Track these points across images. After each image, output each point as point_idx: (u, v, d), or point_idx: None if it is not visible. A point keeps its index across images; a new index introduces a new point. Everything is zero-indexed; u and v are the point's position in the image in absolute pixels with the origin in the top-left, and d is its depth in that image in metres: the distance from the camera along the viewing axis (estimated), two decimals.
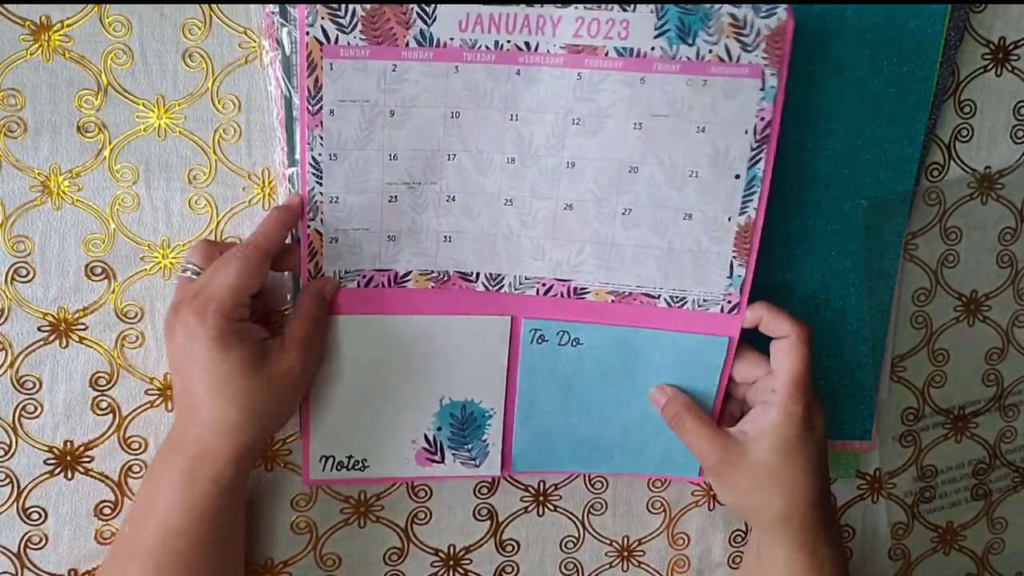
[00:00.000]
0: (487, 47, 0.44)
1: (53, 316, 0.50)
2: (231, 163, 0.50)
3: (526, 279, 0.50)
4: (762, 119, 0.46)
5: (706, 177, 0.47)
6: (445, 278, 0.49)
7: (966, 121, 0.55)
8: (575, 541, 0.57)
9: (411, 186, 0.47)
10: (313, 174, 0.46)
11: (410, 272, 0.49)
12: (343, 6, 0.43)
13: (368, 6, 0.43)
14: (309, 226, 0.47)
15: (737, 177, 0.47)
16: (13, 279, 0.49)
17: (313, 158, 0.46)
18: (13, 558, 0.51)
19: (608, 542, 0.58)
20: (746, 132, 0.46)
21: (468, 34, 0.44)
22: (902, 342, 0.58)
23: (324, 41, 0.44)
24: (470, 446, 0.53)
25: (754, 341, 0.51)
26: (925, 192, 0.56)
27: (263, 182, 0.50)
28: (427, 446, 0.52)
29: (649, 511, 0.57)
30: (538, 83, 0.45)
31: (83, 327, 0.50)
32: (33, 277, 0.49)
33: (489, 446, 0.53)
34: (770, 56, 0.45)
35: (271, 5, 0.47)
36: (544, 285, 0.50)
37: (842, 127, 0.53)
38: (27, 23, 0.47)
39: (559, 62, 0.45)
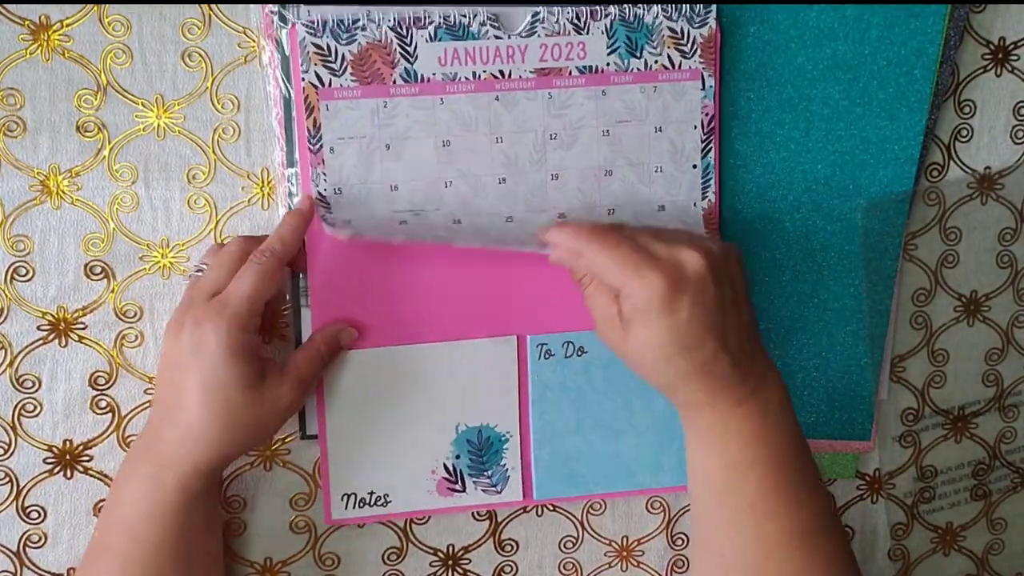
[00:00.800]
0: (466, 78, 0.49)
1: (52, 315, 0.50)
2: (230, 163, 0.50)
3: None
4: (707, 114, 0.51)
5: (669, 171, 0.52)
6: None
7: (966, 121, 0.55)
8: (574, 541, 0.57)
9: (416, 213, 0.49)
10: (322, 206, 0.48)
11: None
12: (333, 52, 0.47)
13: (355, 51, 0.47)
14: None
15: (694, 167, 0.52)
16: (12, 278, 0.49)
17: (319, 193, 0.48)
18: (12, 557, 0.51)
19: (607, 542, 0.58)
20: (695, 127, 0.51)
21: (448, 68, 0.48)
22: (902, 342, 0.58)
23: (319, 85, 0.47)
24: (490, 472, 0.54)
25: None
26: (925, 192, 0.56)
27: (262, 181, 0.50)
28: (447, 475, 0.53)
29: (648, 511, 0.57)
30: (515, 106, 0.49)
31: (82, 326, 0.50)
32: (32, 276, 0.49)
33: (509, 471, 0.54)
34: (706, 60, 0.51)
35: (270, 5, 0.47)
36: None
37: (842, 127, 0.53)
38: (26, 23, 0.47)
39: (531, 85, 0.49)
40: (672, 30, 0.50)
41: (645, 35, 0.50)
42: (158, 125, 0.49)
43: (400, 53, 0.48)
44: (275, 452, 0.53)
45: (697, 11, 0.50)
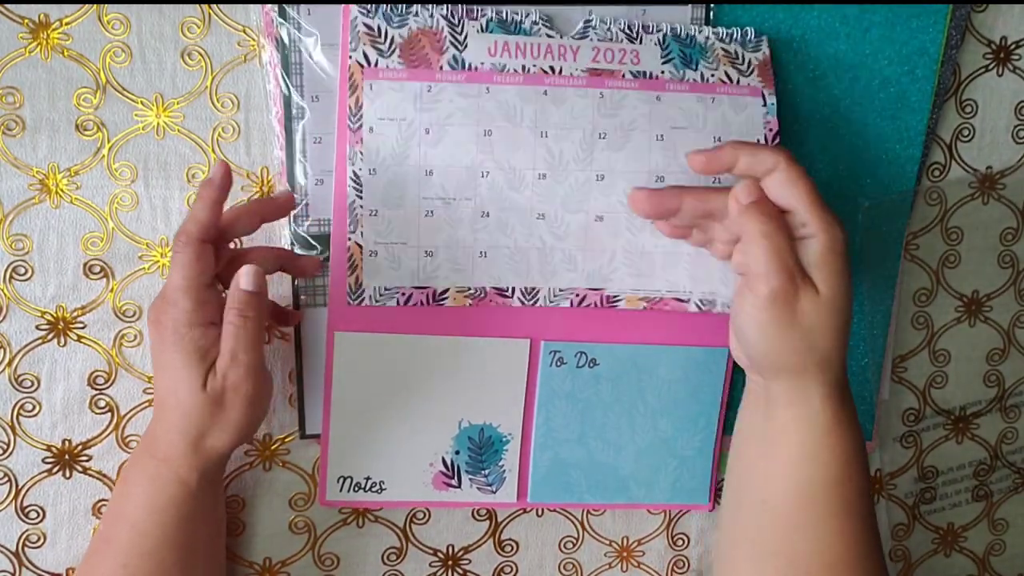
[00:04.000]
0: (515, 70, 0.48)
1: (51, 315, 0.50)
2: (230, 162, 0.50)
3: (560, 291, 0.50)
4: (771, 130, 0.50)
5: (727, 182, 0.48)
6: (482, 295, 0.50)
7: (967, 121, 0.55)
8: (574, 541, 0.57)
9: (446, 201, 0.48)
10: (354, 187, 0.48)
11: (448, 289, 0.50)
12: (383, 33, 0.47)
13: (405, 34, 0.47)
14: (350, 238, 0.48)
15: None
16: (11, 278, 0.49)
17: (354, 172, 0.48)
18: (11, 557, 0.51)
19: (607, 542, 0.58)
20: (758, 141, 0.49)
21: (497, 59, 0.48)
22: (903, 343, 0.58)
23: (365, 64, 0.47)
24: (487, 471, 0.53)
25: None
26: (926, 192, 0.56)
27: (262, 181, 0.50)
28: (444, 469, 0.53)
29: (648, 512, 0.57)
30: (564, 102, 0.48)
31: (81, 326, 0.50)
32: (31, 276, 0.49)
33: (506, 472, 0.54)
34: (763, 79, 0.50)
35: (270, 4, 0.47)
36: (578, 296, 0.51)
37: (843, 127, 0.52)
38: (26, 21, 0.47)
39: (582, 83, 0.48)
40: (726, 51, 0.50)
41: (699, 52, 0.49)
42: (157, 124, 0.49)
43: (450, 40, 0.48)
44: (274, 452, 0.53)
45: (749, 37, 0.50)
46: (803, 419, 0.44)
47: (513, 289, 0.50)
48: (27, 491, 0.51)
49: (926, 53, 0.52)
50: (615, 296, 0.51)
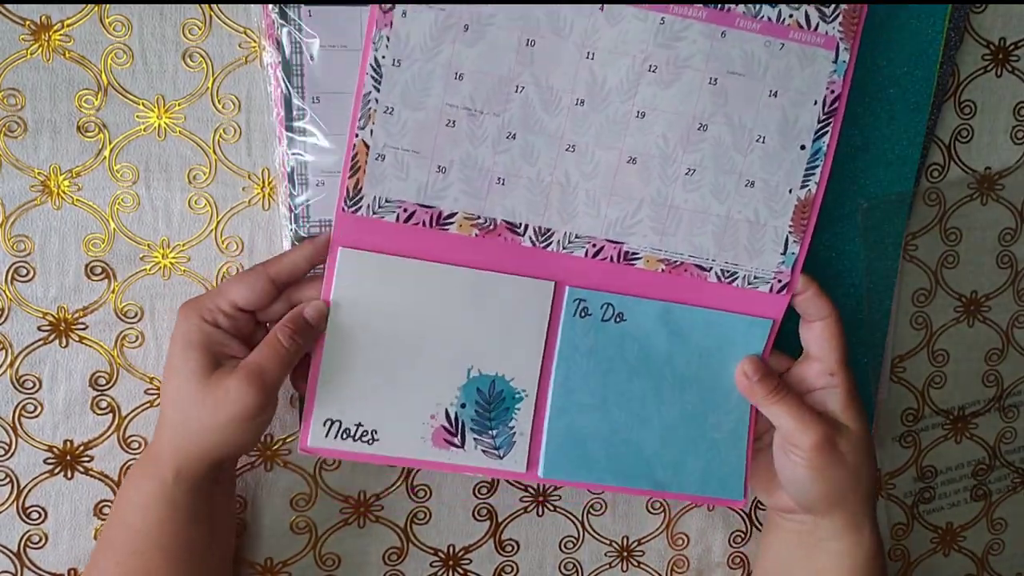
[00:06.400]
0: None
1: (53, 316, 0.50)
2: (231, 163, 0.50)
3: (576, 237, 0.47)
4: (832, 91, 0.46)
5: (772, 144, 0.47)
6: (491, 226, 0.46)
7: (966, 122, 0.55)
8: (575, 541, 0.57)
9: (472, 113, 0.45)
10: (372, 77, 0.44)
11: (455, 214, 0.46)
12: None
13: None
14: (357, 135, 0.44)
15: (802, 148, 0.47)
16: (13, 279, 0.49)
17: (375, 59, 0.44)
18: (13, 557, 0.51)
19: (608, 542, 0.58)
20: (815, 103, 0.46)
21: None
22: (902, 343, 0.58)
23: None
24: (495, 431, 0.49)
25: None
26: (925, 193, 0.56)
27: (263, 182, 0.50)
28: (447, 424, 0.48)
29: (649, 511, 0.57)
30: (620, 22, 0.44)
31: (83, 327, 0.50)
32: (33, 277, 0.49)
33: (516, 435, 0.49)
34: (845, 30, 0.45)
35: (271, 5, 0.47)
36: (594, 246, 0.47)
37: (842, 127, 0.53)
38: (27, 23, 0.47)
39: (644, 2, 0.44)
40: None
41: None
42: (159, 125, 0.49)
43: None
44: (276, 452, 0.53)
45: None
46: (855, 546, 0.49)
47: (526, 226, 0.46)
48: (29, 492, 0.51)
49: (925, 54, 0.52)
50: (634, 253, 0.48)
